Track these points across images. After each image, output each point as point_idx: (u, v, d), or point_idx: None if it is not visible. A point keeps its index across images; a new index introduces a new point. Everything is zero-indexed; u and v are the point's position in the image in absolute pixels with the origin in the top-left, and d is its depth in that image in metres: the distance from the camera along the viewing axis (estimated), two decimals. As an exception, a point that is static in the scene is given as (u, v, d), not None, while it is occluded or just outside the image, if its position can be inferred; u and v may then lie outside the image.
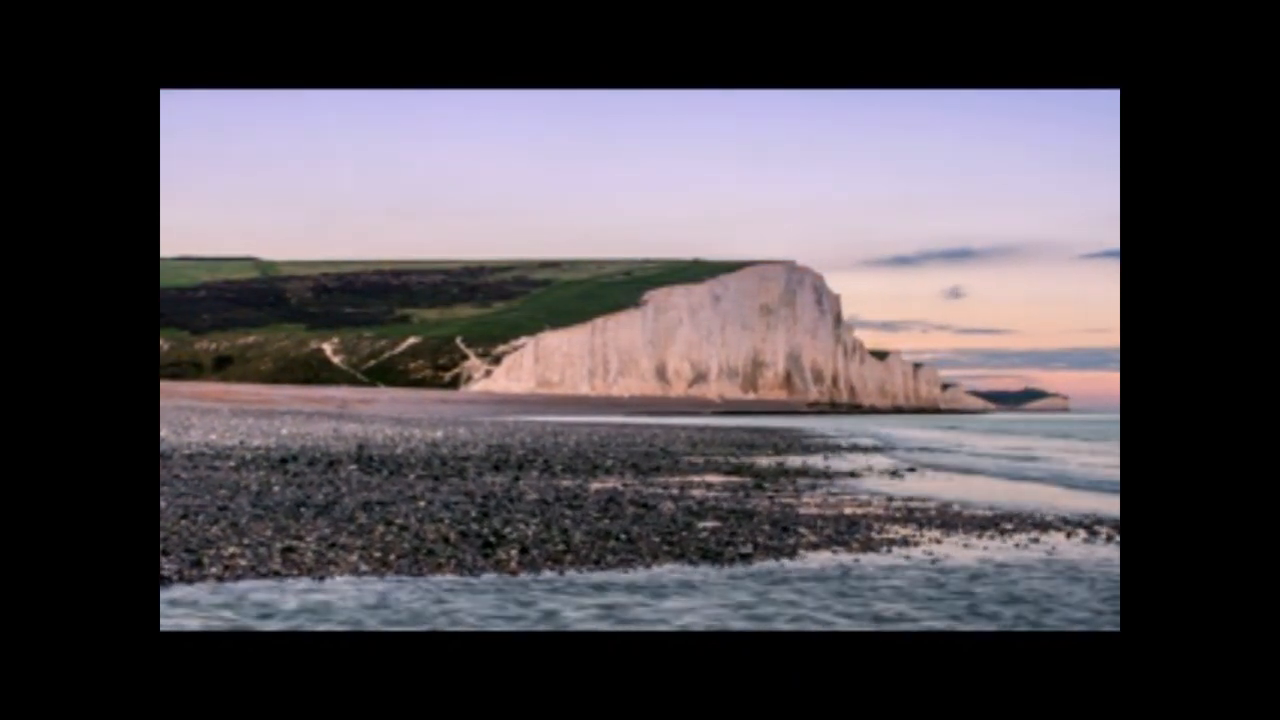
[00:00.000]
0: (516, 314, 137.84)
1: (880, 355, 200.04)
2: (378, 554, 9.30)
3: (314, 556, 9.09)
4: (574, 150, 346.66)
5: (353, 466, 17.99)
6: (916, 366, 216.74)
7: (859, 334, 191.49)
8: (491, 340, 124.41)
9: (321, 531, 10.33)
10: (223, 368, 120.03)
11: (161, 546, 9.11)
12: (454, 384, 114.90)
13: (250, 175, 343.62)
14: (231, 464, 17.52)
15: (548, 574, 8.88)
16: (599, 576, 8.83)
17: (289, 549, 9.32)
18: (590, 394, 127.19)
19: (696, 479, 18.42)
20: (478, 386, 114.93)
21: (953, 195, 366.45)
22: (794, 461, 24.63)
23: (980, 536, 11.85)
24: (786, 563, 9.74)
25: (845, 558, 10.09)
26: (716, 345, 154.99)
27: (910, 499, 16.05)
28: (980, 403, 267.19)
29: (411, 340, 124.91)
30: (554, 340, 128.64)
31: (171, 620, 6.93)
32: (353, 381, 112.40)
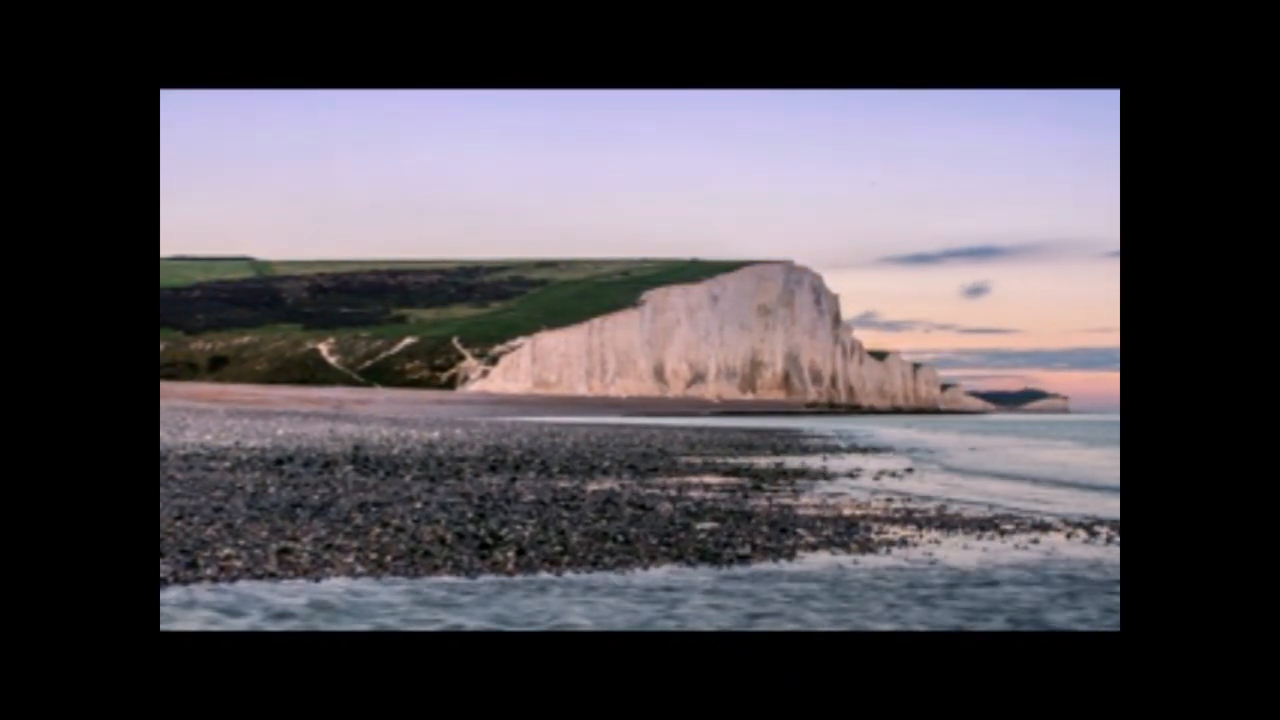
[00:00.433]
0: (513, 314, 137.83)
1: (879, 355, 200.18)
2: (374, 555, 9.28)
3: (310, 558, 9.07)
4: (571, 150, 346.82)
5: (349, 467, 17.97)
6: (916, 367, 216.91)
7: (863, 334, 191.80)
8: (488, 340, 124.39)
9: (317, 533, 10.31)
10: (218, 368, 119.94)
11: (158, 547, 9.08)
12: (450, 384, 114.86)
13: (245, 174, 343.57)
14: (227, 465, 17.49)
15: (545, 575, 8.87)
16: (596, 578, 8.82)
17: (285, 550, 9.30)
18: (587, 394, 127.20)
19: (694, 480, 18.41)
20: (474, 387, 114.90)
21: (956, 196, 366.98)
22: (792, 462, 24.63)
23: (980, 537, 11.85)
24: (785, 564, 9.73)
25: (844, 559, 10.08)
26: (714, 345, 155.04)
27: (909, 500, 16.05)
28: (979, 403, 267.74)
29: (408, 340, 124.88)
30: (551, 340, 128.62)
31: (167, 622, 6.91)
32: (349, 382, 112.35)
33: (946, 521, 13.19)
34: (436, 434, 30.28)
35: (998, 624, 7.56)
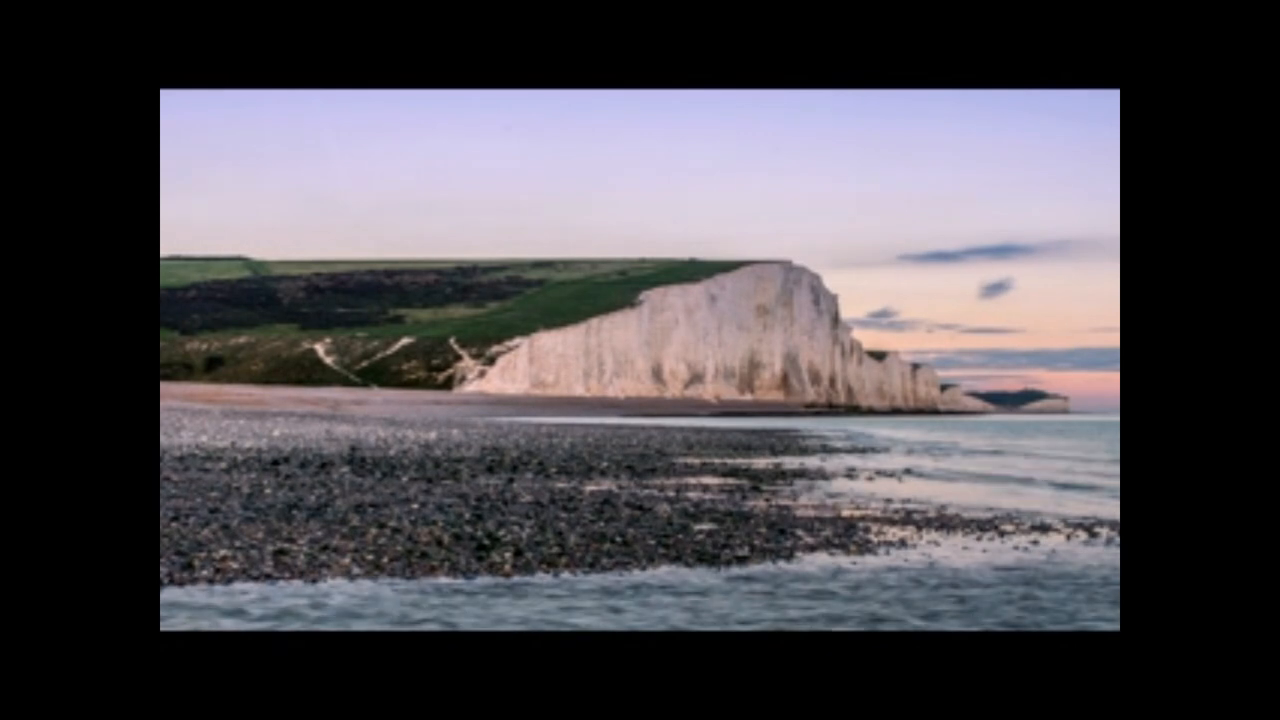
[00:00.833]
0: (511, 314, 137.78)
1: (878, 356, 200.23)
2: (370, 556, 9.25)
3: (306, 559, 9.04)
4: (569, 149, 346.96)
5: (345, 468, 17.94)
6: (915, 367, 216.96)
7: (875, 334, 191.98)
8: (485, 341, 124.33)
9: (314, 534, 10.28)
10: (214, 369, 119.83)
11: (155, 548, 9.06)
12: (448, 385, 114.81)
13: (240, 173, 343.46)
14: (223, 466, 17.46)
15: (542, 577, 8.85)
16: (594, 579, 8.80)
17: (281, 551, 9.28)
18: (585, 395, 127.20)
19: (693, 481, 18.40)
20: (471, 387, 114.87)
21: (958, 195, 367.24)
22: (791, 463, 24.63)
23: (979, 538, 11.84)
24: (784, 565, 9.71)
25: (843, 560, 10.07)
26: (713, 346, 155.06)
27: (908, 501, 16.04)
28: (979, 404, 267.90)
29: (405, 341, 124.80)
30: (548, 341, 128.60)
31: (164, 623, 6.89)
32: (345, 382, 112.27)
33: (946, 522, 13.18)
34: (433, 435, 30.26)
35: (997, 624, 7.55)
